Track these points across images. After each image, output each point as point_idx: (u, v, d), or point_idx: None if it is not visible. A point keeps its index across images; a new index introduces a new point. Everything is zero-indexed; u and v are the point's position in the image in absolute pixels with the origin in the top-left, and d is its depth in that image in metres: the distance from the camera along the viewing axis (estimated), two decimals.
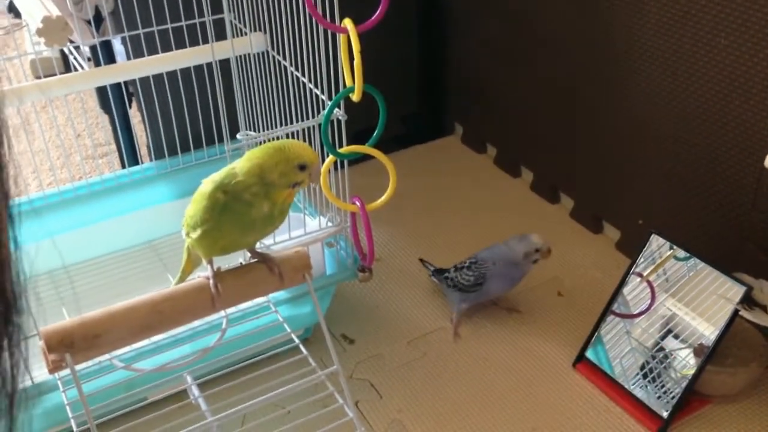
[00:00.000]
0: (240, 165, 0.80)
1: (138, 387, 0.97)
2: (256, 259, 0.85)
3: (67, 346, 0.71)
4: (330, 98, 1.03)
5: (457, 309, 1.29)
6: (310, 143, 1.15)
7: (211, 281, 0.80)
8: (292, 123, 1.13)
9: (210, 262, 0.83)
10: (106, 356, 0.94)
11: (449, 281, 1.30)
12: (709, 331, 1.08)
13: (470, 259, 1.28)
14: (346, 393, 0.86)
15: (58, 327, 0.72)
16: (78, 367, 0.97)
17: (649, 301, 1.17)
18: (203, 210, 0.80)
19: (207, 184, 0.82)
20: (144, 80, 1.33)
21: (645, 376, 1.13)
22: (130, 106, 1.45)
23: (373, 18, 0.92)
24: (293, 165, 0.79)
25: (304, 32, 1.07)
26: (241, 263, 0.88)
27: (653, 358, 1.13)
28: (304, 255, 0.84)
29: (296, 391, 0.90)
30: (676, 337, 1.12)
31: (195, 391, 0.88)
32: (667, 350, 1.12)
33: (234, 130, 1.34)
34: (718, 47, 1.11)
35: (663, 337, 1.13)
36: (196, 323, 1.02)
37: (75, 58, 1.34)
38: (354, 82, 0.95)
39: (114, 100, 1.37)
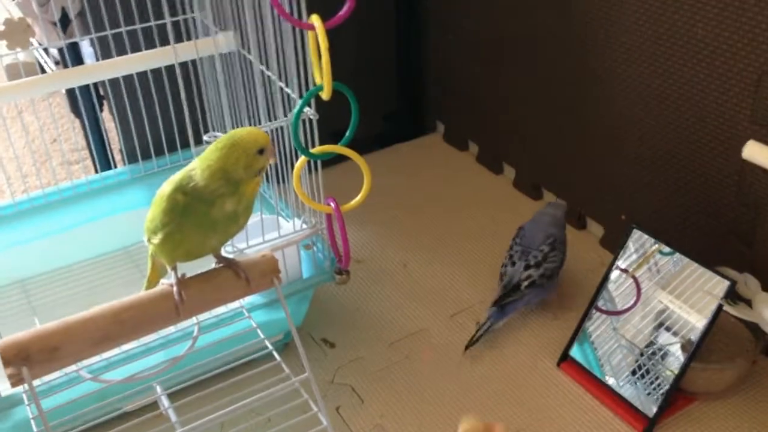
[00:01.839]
0: (198, 168, 0.77)
1: (109, 398, 0.94)
2: (222, 264, 0.82)
3: (24, 359, 0.69)
4: (301, 97, 1.01)
5: (555, 293, 1.28)
6: (282, 143, 1.13)
7: (174, 288, 0.77)
8: (268, 122, 1.10)
9: (174, 268, 0.80)
10: (74, 367, 0.92)
11: (536, 282, 1.22)
12: (701, 324, 1.06)
13: (546, 242, 1.25)
14: (318, 400, 0.83)
15: (13, 340, 0.69)
16: (46, 378, 0.95)
17: (635, 297, 1.15)
18: (163, 212, 0.78)
19: (166, 186, 0.79)
20: (114, 82, 1.31)
21: (634, 372, 1.11)
22: (102, 110, 1.42)
23: (340, 13, 0.90)
24: (253, 153, 0.77)
25: (274, 30, 1.05)
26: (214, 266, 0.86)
27: (642, 354, 1.11)
28: (271, 259, 0.81)
29: (274, 398, 0.87)
30: (668, 329, 1.09)
31: (165, 401, 0.86)
32: (657, 345, 1.09)
33: (207, 131, 1.32)
34: (696, 38, 1.09)
35: (656, 331, 1.11)
36: (167, 331, 1.00)
37: (45, 61, 1.31)
38: (323, 80, 0.92)
39: (84, 103, 1.34)
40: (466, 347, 1.22)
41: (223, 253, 0.85)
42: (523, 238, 1.28)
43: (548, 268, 1.24)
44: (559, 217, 1.28)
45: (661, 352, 1.09)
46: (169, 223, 0.78)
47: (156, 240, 0.80)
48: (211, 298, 0.80)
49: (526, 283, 1.23)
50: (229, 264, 0.82)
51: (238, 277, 0.80)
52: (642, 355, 1.11)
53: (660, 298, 1.12)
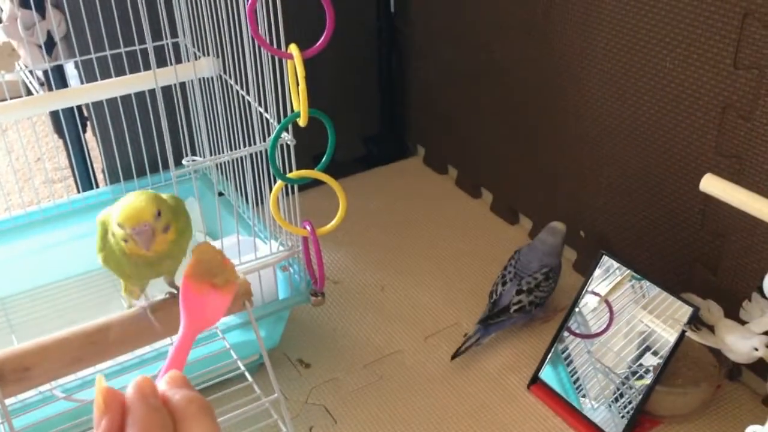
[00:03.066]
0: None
1: (82, 417, 0.95)
2: (173, 294, 0.84)
3: None
4: (280, 122, 1.03)
5: (542, 315, 1.32)
6: (260, 167, 1.15)
7: (147, 310, 0.79)
8: (250, 146, 1.13)
9: (141, 289, 0.82)
10: (47, 386, 0.93)
11: (525, 308, 1.26)
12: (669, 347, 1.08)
13: (540, 270, 1.28)
14: (287, 421, 0.85)
15: None
16: (21, 396, 0.96)
17: (608, 321, 1.18)
18: (99, 237, 0.79)
19: (104, 211, 0.79)
20: (97, 104, 1.33)
21: (609, 396, 1.13)
22: (85, 131, 1.44)
23: (318, 44, 0.93)
24: (116, 221, 0.75)
25: (253, 56, 1.08)
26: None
27: (617, 377, 1.13)
28: (244, 282, 0.83)
29: (245, 418, 0.88)
30: (648, 348, 1.11)
31: None
32: (633, 368, 1.11)
33: (192, 154, 1.34)
34: (664, 71, 1.13)
35: (635, 354, 1.13)
36: (142, 350, 1.01)
37: (30, 83, 1.33)
38: (300, 108, 0.95)
39: (67, 124, 1.36)
40: (453, 357, 1.25)
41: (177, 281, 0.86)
42: (518, 262, 1.30)
43: (539, 296, 1.27)
44: (556, 246, 1.30)
45: (636, 375, 1.11)
46: (102, 248, 0.79)
47: (100, 260, 0.81)
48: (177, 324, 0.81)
49: (515, 307, 1.26)
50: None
51: None
52: (617, 378, 1.13)
53: (637, 321, 1.14)
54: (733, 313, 1.06)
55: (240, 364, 0.93)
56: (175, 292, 0.84)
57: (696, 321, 1.07)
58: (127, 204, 0.74)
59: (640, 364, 1.11)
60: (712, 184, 0.80)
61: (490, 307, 1.28)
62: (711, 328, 1.08)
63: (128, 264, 0.78)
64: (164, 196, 0.80)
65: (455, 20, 1.57)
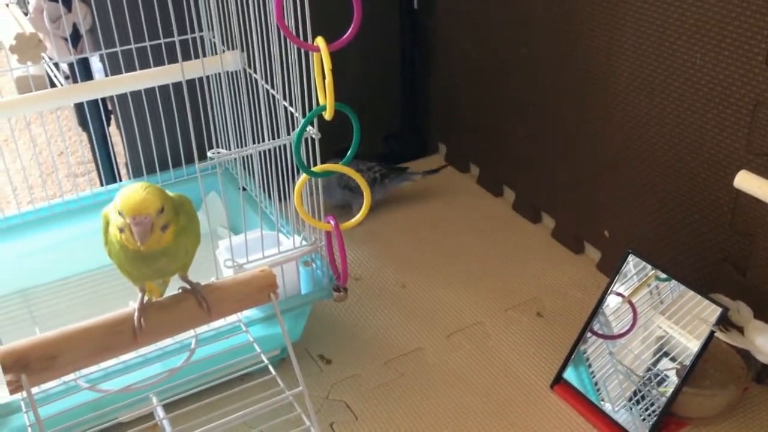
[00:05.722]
0: None
1: (105, 407, 0.95)
2: (186, 290, 0.83)
3: (23, 366, 0.70)
4: (305, 116, 1.03)
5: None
6: (284, 161, 1.15)
7: (135, 314, 0.78)
8: (271, 140, 1.12)
9: (141, 290, 0.81)
10: (72, 376, 0.93)
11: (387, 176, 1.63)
12: (696, 350, 1.06)
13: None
14: (311, 414, 0.84)
15: (13, 347, 0.70)
16: (44, 386, 0.96)
17: (631, 322, 1.16)
18: (102, 231, 0.79)
19: (107, 206, 0.79)
20: (122, 97, 1.33)
21: (630, 398, 1.12)
22: (109, 124, 1.45)
23: (344, 36, 0.92)
24: (117, 208, 0.75)
25: (279, 50, 1.07)
26: (212, 281, 0.87)
27: (639, 380, 1.11)
28: (269, 274, 0.83)
29: (268, 412, 0.88)
30: (666, 355, 1.10)
31: (160, 412, 0.87)
32: (654, 371, 1.10)
33: (213, 147, 1.34)
34: (694, 68, 1.11)
35: (656, 357, 1.11)
36: (164, 342, 1.01)
37: (55, 75, 1.34)
38: (326, 101, 0.95)
39: (91, 117, 1.36)
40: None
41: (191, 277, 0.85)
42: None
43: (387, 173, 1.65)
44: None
45: (657, 378, 1.10)
46: (106, 243, 0.79)
47: (106, 253, 0.80)
48: (172, 325, 0.80)
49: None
50: (192, 291, 0.83)
51: (200, 305, 0.81)
52: (639, 380, 1.11)
53: (659, 324, 1.13)
54: (762, 314, 1.04)
55: (264, 357, 0.92)
56: (188, 287, 0.84)
57: (725, 322, 1.05)
58: (133, 192, 0.73)
59: (659, 369, 1.10)
60: (746, 181, 0.78)
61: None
62: (740, 330, 1.06)
63: (124, 257, 0.77)
64: (171, 194, 0.80)
65: (479, 17, 1.56)
